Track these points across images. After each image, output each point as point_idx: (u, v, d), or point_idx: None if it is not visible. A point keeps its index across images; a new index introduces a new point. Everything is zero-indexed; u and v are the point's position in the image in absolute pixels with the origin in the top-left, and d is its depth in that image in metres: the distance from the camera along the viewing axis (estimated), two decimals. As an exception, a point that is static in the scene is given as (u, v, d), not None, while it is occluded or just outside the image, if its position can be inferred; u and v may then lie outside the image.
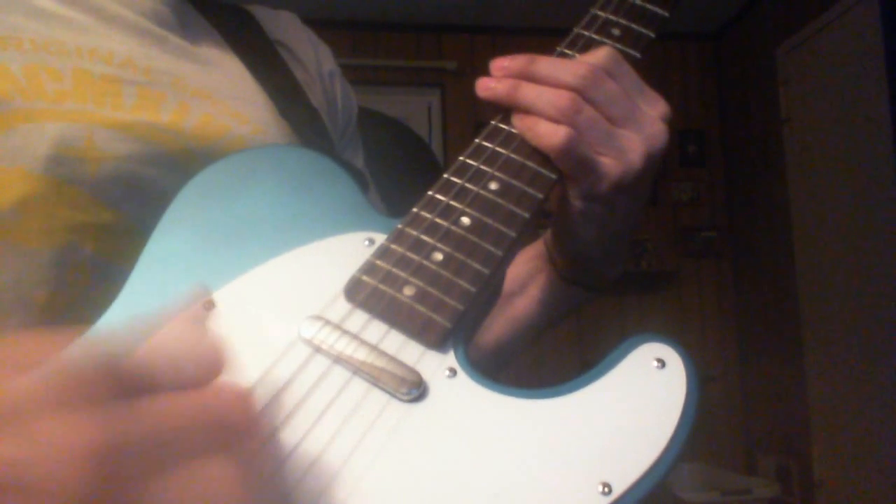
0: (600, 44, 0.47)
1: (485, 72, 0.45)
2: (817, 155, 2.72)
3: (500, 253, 0.40)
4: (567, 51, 0.48)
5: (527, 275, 0.55)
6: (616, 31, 0.48)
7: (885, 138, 2.34)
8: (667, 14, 0.50)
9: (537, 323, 0.55)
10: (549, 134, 0.41)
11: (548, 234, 0.54)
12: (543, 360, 2.24)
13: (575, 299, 0.54)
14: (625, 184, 0.42)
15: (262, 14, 0.66)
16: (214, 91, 0.54)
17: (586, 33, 0.49)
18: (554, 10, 2.77)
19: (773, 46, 2.93)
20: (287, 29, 0.66)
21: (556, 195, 0.45)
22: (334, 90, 0.66)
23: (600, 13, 0.50)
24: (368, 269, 0.39)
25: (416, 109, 3.16)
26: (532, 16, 3.08)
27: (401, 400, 0.35)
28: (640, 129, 0.42)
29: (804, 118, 2.80)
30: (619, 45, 0.47)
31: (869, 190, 2.45)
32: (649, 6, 0.50)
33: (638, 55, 0.47)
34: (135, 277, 0.40)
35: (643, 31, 0.49)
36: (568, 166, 0.42)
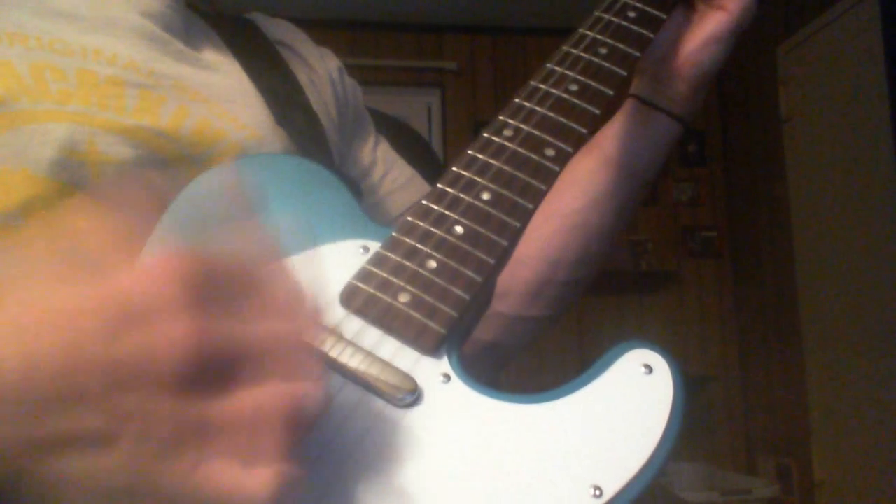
0: (587, 61, 0.50)
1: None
2: (817, 155, 2.71)
3: (492, 261, 0.40)
4: (557, 68, 0.49)
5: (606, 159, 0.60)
6: (603, 50, 0.50)
7: (885, 138, 2.34)
8: (652, 36, 0.52)
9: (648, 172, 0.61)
10: None
11: (624, 110, 0.60)
12: (544, 361, 2.24)
13: (662, 133, 0.60)
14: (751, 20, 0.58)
15: (261, 19, 0.67)
16: (214, 95, 0.55)
17: (574, 51, 0.50)
18: (554, 11, 2.78)
19: (774, 46, 2.93)
20: (287, 30, 0.67)
21: (687, 41, 0.56)
22: (344, 84, 0.68)
23: (588, 32, 0.51)
24: (363, 276, 0.40)
25: (416, 109, 3.16)
26: (532, 16, 3.08)
27: (396, 405, 0.35)
28: None
29: (804, 118, 2.80)
30: (605, 63, 0.49)
31: (869, 190, 2.45)
32: (635, 27, 0.52)
33: (624, 73, 0.49)
34: None
35: (630, 51, 0.51)
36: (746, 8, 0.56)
